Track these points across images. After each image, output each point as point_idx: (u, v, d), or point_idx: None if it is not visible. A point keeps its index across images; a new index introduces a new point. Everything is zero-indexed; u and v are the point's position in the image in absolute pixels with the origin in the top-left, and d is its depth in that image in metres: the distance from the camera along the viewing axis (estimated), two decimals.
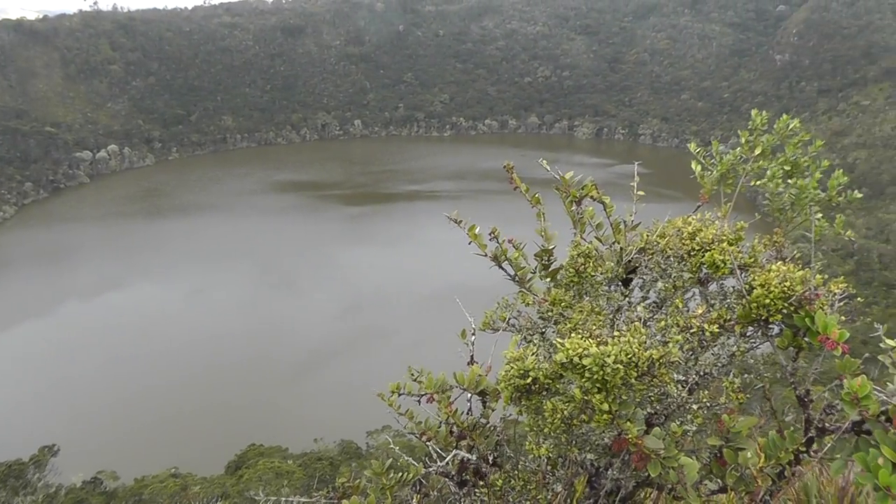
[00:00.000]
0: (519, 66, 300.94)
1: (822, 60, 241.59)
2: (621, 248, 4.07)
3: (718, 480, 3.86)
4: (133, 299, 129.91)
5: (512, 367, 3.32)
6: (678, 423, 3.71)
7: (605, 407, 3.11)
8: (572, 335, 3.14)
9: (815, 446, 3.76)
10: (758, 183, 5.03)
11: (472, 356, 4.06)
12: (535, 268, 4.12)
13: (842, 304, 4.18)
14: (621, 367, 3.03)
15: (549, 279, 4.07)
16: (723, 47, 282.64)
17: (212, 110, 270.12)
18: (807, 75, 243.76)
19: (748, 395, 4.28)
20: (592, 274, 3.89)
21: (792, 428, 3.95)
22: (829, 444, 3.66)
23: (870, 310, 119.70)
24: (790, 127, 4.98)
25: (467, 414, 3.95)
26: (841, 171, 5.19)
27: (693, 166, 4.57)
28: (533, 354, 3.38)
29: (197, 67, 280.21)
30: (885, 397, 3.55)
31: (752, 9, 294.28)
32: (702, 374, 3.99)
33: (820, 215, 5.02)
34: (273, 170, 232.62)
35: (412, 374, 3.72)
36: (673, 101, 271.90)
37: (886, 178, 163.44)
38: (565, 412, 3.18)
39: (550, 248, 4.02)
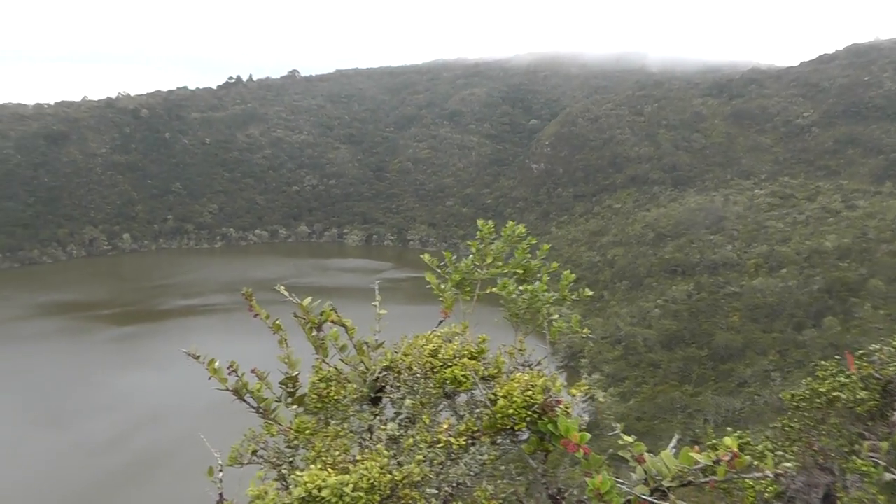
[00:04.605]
0: (286, 175, 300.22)
1: (574, 169, 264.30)
2: (366, 369, 4.11)
3: None
4: None
5: None
6: None
7: None
8: (312, 466, 3.09)
9: None
10: (493, 290, 5.23)
11: (220, 494, 3.85)
12: (282, 395, 4.04)
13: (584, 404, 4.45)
14: (363, 494, 3.01)
15: (297, 406, 4.01)
16: (482, 156, 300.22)
17: None
18: (562, 182, 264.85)
19: (502, 501, 4.39)
20: (336, 398, 3.88)
21: None
22: None
23: (640, 389, 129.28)
24: (517, 233, 5.23)
25: None
26: (569, 271, 5.54)
27: (427, 277, 4.66)
28: (276, 490, 3.28)
29: None
30: (627, 488, 3.77)
31: (507, 122, 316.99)
32: (454, 485, 4.05)
33: (556, 316, 5.31)
34: (38, 292, 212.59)
35: None
36: (438, 208, 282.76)
37: (643, 271, 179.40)
38: None
39: (295, 374, 3.97)
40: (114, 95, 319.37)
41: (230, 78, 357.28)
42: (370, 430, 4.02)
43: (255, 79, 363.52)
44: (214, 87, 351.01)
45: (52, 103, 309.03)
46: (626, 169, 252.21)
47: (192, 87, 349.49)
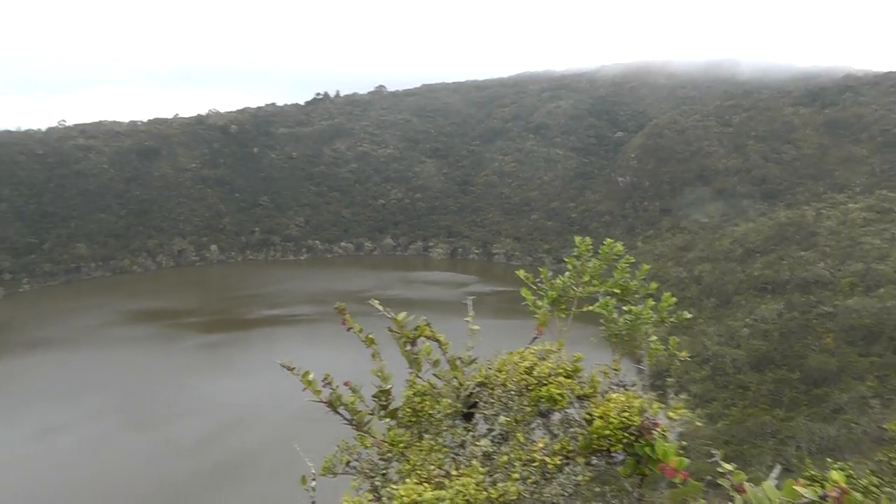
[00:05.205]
0: (372, 189, 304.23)
1: (661, 182, 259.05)
2: (459, 384, 4.08)
3: None
4: None
5: None
6: None
7: None
8: (408, 480, 3.08)
9: None
10: (590, 308, 5.13)
11: (313, 503, 3.88)
12: (374, 408, 4.05)
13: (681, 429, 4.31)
14: None
15: (389, 419, 4.01)
16: (568, 170, 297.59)
17: (65, 237, 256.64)
18: (648, 195, 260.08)
19: None
20: (430, 412, 3.87)
21: None
22: None
23: (728, 411, 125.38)
24: (614, 251, 5.11)
25: None
26: (669, 294, 5.41)
27: (523, 293, 4.58)
28: (370, 501, 3.29)
29: (51, 192, 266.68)
30: None
31: (593, 135, 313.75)
32: None
33: (654, 338, 5.18)
34: (128, 299, 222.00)
35: None
36: (524, 221, 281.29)
37: (731, 288, 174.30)
38: None
39: (387, 387, 3.98)
40: (204, 112, 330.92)
41: (317, 94, 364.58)
42: (463, 445, 3.99)
43: (342, 94, 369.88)
44: (302, 103, 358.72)
45: (144, 121, 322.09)
46: (714, 182, 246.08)
47: (280, 103, 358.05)
